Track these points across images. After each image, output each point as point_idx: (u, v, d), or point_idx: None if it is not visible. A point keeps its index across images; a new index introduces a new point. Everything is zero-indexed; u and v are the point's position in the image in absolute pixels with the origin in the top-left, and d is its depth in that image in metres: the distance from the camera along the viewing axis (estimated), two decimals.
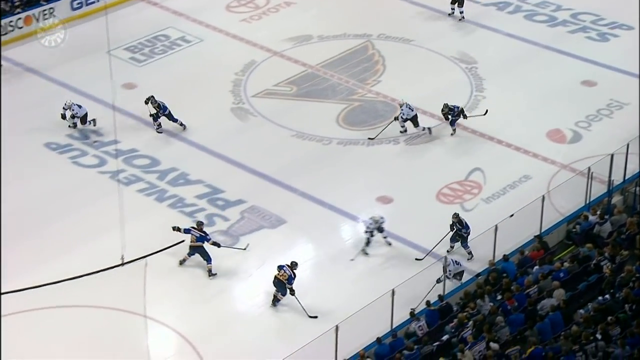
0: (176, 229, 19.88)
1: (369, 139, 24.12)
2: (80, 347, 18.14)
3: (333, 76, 26.88)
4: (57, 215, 21.32)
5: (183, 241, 19.20)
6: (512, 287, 18.57)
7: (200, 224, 20.24)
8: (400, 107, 24.17)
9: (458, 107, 24.11)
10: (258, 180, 22.97)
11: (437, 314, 18.44)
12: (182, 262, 20.07)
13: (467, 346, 17.03)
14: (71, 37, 26.23)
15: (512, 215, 20.44)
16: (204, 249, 19.92)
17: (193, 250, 19.97)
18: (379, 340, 17.88)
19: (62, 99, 25.08)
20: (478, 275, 19.59)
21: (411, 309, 18.53)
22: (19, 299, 17.83)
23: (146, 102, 23.68)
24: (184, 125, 24.11)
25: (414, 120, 24.14)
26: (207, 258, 19.93)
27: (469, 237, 20.27)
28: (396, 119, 24.19)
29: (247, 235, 21.29)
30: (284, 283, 18.99)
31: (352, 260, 20.35)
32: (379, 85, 26.51)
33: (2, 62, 26.32)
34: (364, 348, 17.80)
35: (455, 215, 20.34)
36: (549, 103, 25.40)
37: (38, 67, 26.49)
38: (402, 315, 18.60)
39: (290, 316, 19.11)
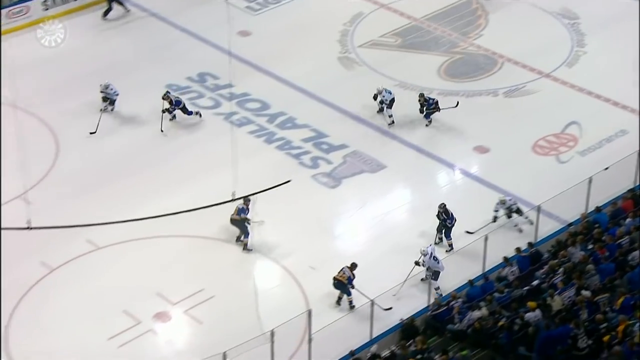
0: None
1: (389, 124, 22.46)
2: (192, 274, 18.43)
3: (437, 29, 26.34)
4: (175, 152, 21.62)
5: (290, 181, 19.16)
6: (603, 238, 17.98)
7: (247, 200, 18.94)
8: (380, 93, 22.54)
9: (434, 100, 22.36)
10: (361, 126, 22.80)
11: (528, 260, 18.05)
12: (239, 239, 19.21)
13: (557, 292, 16.63)
14: None
15: (606, 169, 19.72)
16: (244, 223, 19.11)
17: (234, 223, 19.07)
18: (471, 282, 17.63)
19: (182, 43, 25.39)
20: (570, 224, 19.03)
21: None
22: (139, 227, 18.25)
23: (163, 98, 22.25)
24: (200, 114, 22.59)
25: (392, 103, 22.50)
26: (246, 232, 19.14)
27: (452, 228, 18.90)
28: (380, 109, 22.64)
29: (349, 178, 21.22)
30: (344, 284, 17.61)
31: (471, 233, 19.11)
32: (481, 39, 25.87)
33: (129, 7, 26.71)
34: (456, 289, 17.57)
35: (442, 206, 18.89)
36: None
37: (162, 13, 26.71)
38: (493, 260, 18.26)
39: (387, 256, 18.96)
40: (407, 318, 17.04)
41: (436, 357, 15.81)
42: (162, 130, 22.04)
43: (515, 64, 24.24)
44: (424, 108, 22.42)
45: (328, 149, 22.08)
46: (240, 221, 18.94)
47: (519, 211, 19.43)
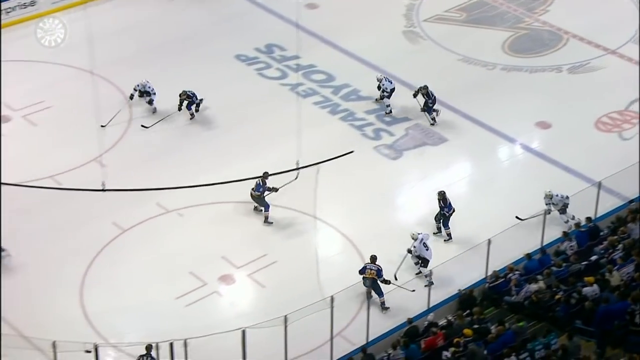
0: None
1: (385, 114, 21.79)
2: (256, 240, 18.60)
3: (502, 4, 25.90)
4: (242, 122, 21.73)
5: (352, 151, 19.18)
6: None
7: (265, 174, 18.79)
8: (379, 81, 21.87)
9: (434, 95, 21.16)
10: (424, 100, 22.55)
11: (587, 235, 17.77)
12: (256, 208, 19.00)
13: (616, 267, 16.35)
14: None
15: None
16: (264, 199, 18.86)
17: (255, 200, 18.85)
18: (528, 255, 17.44)
19: (252, 15, 25.43)
20: (631, 201, 18.65)
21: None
22: (207, 193, 18.48)
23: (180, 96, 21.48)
24: (194, 116, 21.54)
25: (392, 92, 21.80)
26: (266, 206, 18.78)
27: (450, 217, 18.34)
28: (381, 98, 21.87)
29: (410, 150, 21.12)
30: (375, 279, 16.79)
31: (521, 219, 18.48)
32: (547, 14, 25.39)
33: None
34: (514, 262, 17.41)
35: (441, 193, 18.32)
36: None
37: None
38: (552, 234, 18.03)
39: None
40: (465, 288, 16.97)
41: (492, 327, 15.73)
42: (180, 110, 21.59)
43: (581, 40, 23.74)
44: (426, 102, 21.25)
45: (391, 121, 21.97)
46: (258, 196, 18.70)
47: (563, 210, 18.48)
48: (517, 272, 16.92)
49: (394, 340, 15.86)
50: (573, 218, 18.49)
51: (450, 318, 16.38)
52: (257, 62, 23.82)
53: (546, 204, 18.58)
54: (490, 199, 19.53)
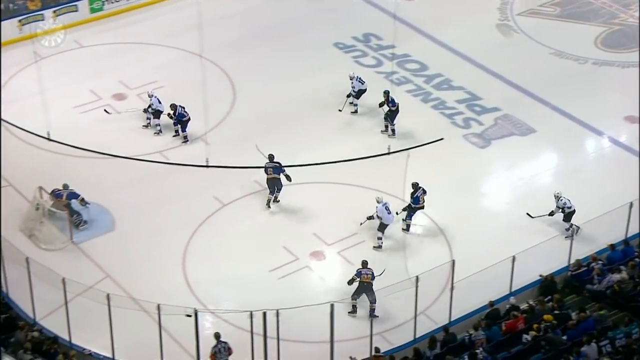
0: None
1: (339, 110, 21.21)
2: (346, 219, 18.70)
3: (597, 0, 25.22)
4: (338, 105, 21.79)
5: (442, 139, 18.97)
6: None
7: (271, 157, 18.65)
8: (351, 79, 21.16)
9: (396, 103, 20.24)
10: (514, 91, 22.32)
11: None
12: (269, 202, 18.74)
13: None
14: None
15: None
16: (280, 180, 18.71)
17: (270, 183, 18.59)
18: (612, 246, 17.09)
19: (351, 6, 25.44)
20: None
21: None
22: (302, 172, 18.64)
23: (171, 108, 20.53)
24: (185, 137, 20.47)
25: (361, 93, 21.07)
26: (280, 188, 18.68)
27: (416, 211, 18.13)
28: (348, 95, 21.16)
29: (498, 140, 20.88)
30: (371, 284, 16.43)
31: (531, 217, 18.27)
32: None
33: None
34: (597, 252, 17.07)
35: (415, 185, 18.12)
36: None
37: None
38: (636, 227, 17.58)
39: (528, 217, 18.62)
40: (547, 275, 16.74)
41: (573, 314, 15.50)
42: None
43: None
44: (388, 107, 20.35)
45: (480, 111, 21.75)
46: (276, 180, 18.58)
47: (569, 217, 17.87)
48: (600, 262, 16.60)
49: (474, 321, 15.81)
50: (572, 226, 17.78)
51: (531, 303, 16.21)
52: (354, 50, 23.88)
53: (557, 206, 17.98)
54: (576, 191, 19.10)
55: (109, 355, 15.54)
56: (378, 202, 17.88)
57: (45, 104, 17.89)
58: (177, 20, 24.26)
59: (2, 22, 23.13)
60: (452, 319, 16.18)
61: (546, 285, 16.57)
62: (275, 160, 18.64)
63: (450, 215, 18.78)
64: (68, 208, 18.04)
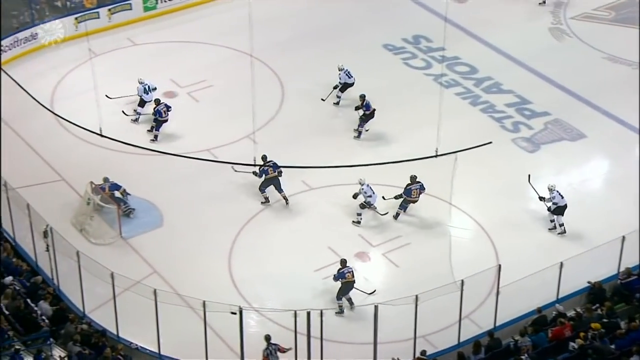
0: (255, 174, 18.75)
1: (322, 100, 21.38)
2: (392, 221, 18.62)
3: None
4: (385, 108, 21.70)
5: (490, 142, 18.78)
6: None
7: (264, 157, 18.60)
8: (339, 71, 21.12)
9: (372, 108, 20.23)
10: (565, 95, 22.01)
11: None
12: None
13: None
14: None
15: None
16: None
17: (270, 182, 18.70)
18: None
19: (402, 7, 25.32)
20: None
21: None
22: (348, 174, 18.60)
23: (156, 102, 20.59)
24: (155, 137, 20.44)
25: (346, 87, 21.04)
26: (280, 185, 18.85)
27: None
28: (335, 87, 21.14)
29: (548, 144, 20.60)
30: (354, 283, 16.62)
31: (539, 196, 18.24)
32: None
33: None
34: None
35: (412, 178, 18.29)
36: None
37: None
38: None
39: (576, 223, 18.27)
40: (595, 282, 16.44)
41: (622, 323, 15.19)
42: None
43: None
44: (362, 110, 20.36)
45: (530, 115, 21.48)
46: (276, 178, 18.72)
47: (557, 211, 17.81)
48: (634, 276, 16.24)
49: (520, 327, 15.60)
50: (561, 225, 17.75)
51: (578, 310, 15.93)
52: (404, 52, 23.77)
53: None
54: (626, 198, 18.78)
55: (155, 350, 15.68)
56: (361, 183, 18.09)
57: (98, 100, 18.14)
58: (228, 20, 24.42)
59: (60, 19, 23.53)
60: (497, 324, 15.98)
61: (594, 293, 16.28)
62: (268, 160, 18.63)
63: (497, 219, 18.58)
64: (114, 199, 18.27)
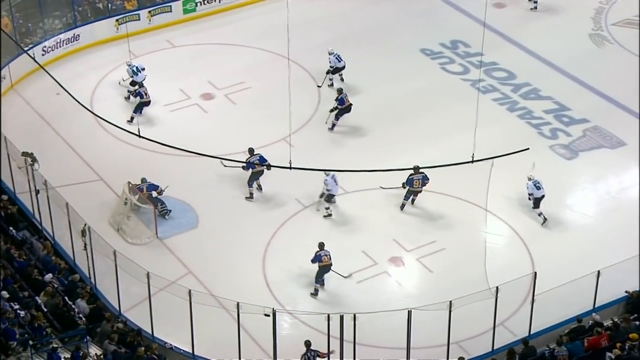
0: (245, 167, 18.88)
1: (318, 86, 21.68)
2: (426, 226, 18.56)
3: None
4: (422, 112, 21.67)
5: (528, 149, 18.64)
6: None
7: (251, 150, 18.92)
8: (329, 55, 21.27)
9: (348, 105, 20.38)
10: (605, 102, 21.73)
11: None
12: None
13: None
14: None
15: None
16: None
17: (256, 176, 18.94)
18: None
19: (440, 12, 25.20)
20: None
21: None
22: (382, 178, 18.56)
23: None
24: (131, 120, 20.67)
25: (337, 70, 21.21)
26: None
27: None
28: (327, 72, 21.25)
29: (586, 152, 20.35)
30: (330, 265, 16.92)
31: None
32: None
33: None
34: None
35: (415, 167, 18.24)
36: None
37: None
38: None
39: (614, 231, 18.01)
40: (633, 292, 16.20)
41: None
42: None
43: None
44: (337, 104, 20.49)
45: (569, 121, 21.25)
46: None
47: (534, 203, 18.02)
48: None
49: (555, 335, 15.43)
50: (540, 215, 18.03)
51: (616, 320, 15.71)
52: (441, 57, 23.66)
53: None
54: None
55: (189, 350, 15.78)
56: (327, 175, 18.23)
57: (137, 102, 18.33)
58: (266, 23, 24.51)
59: (102, 21, 23.85)
60: (532, 332, 15.82)
61: (632, 303, 16.04)
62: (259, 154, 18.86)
63: (534, 226, 18.40)
64: (151, 200, 18.44)
